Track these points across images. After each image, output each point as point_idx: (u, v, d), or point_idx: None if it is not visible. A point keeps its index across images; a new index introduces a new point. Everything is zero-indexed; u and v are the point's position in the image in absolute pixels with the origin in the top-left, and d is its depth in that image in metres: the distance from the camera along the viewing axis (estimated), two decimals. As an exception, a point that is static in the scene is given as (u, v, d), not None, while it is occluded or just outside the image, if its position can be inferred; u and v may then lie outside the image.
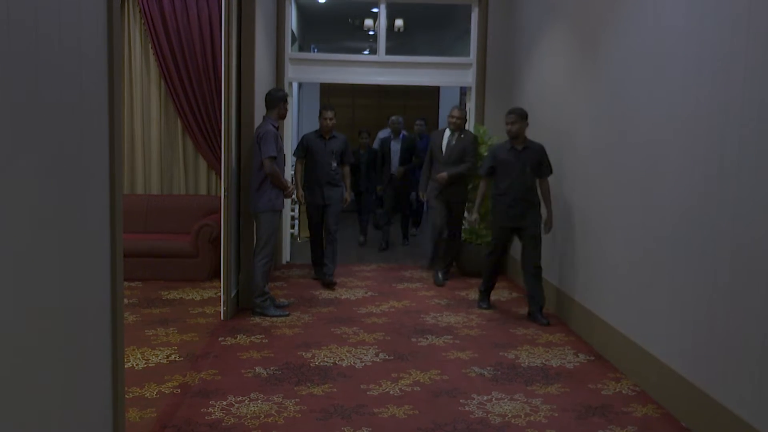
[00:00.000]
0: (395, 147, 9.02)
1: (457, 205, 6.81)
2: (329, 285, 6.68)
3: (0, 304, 1.89)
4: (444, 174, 6.61)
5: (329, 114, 6.64)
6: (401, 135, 9.09)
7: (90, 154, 2.52)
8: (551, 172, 5.65)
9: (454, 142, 6.69)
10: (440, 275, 6.90)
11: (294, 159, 6.88)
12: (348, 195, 6.88)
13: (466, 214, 7.11)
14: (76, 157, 2.39)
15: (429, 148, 6.90)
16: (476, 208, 6.05)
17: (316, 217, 6.80)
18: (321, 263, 6.85)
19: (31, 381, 2.10)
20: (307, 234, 9.66)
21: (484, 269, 5.98)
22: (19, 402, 2.02)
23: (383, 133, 9.93)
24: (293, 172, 6.91)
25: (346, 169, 6.91)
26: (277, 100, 5.68)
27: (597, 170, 5.00)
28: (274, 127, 5.57)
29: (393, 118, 9.23)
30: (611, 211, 4.73)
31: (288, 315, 5.61)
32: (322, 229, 6.80)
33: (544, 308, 5.65)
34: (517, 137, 5.58)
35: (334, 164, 6.68)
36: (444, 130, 6.83)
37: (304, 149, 6.68)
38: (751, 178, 3.09)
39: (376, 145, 9.51)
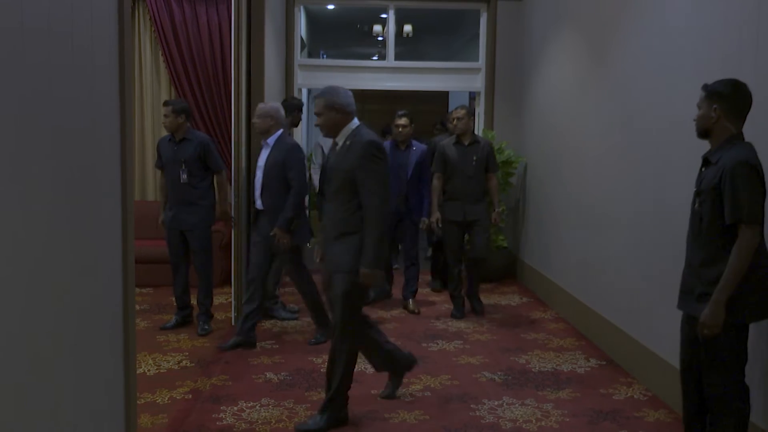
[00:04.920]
0: (401, 159, 6.02)
1: None
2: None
3: (13, 310, 1.91)
4: None
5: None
6: (411, 143, 6.11)
7: (102, 161, 2.54)
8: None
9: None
10: None
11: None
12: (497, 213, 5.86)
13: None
14: (88, 164, 2.41)
15: None
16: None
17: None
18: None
19: (44, 386, 2.12)
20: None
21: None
22: (32, 407, 2.04)
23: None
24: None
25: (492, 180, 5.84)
26: (291, 108, 5.70)
27: (606, 173, 4.99)
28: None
29: (401, 111, 6.14)
30: (619, 207, 4.71)
31: (297, 319, 5.65)
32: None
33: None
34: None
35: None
36: None
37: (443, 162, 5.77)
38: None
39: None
